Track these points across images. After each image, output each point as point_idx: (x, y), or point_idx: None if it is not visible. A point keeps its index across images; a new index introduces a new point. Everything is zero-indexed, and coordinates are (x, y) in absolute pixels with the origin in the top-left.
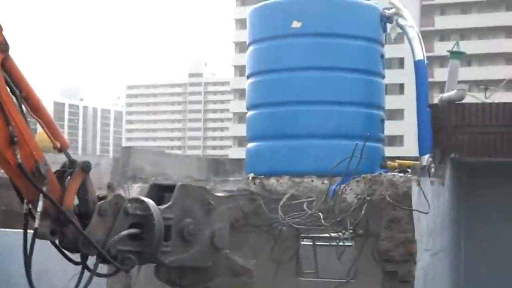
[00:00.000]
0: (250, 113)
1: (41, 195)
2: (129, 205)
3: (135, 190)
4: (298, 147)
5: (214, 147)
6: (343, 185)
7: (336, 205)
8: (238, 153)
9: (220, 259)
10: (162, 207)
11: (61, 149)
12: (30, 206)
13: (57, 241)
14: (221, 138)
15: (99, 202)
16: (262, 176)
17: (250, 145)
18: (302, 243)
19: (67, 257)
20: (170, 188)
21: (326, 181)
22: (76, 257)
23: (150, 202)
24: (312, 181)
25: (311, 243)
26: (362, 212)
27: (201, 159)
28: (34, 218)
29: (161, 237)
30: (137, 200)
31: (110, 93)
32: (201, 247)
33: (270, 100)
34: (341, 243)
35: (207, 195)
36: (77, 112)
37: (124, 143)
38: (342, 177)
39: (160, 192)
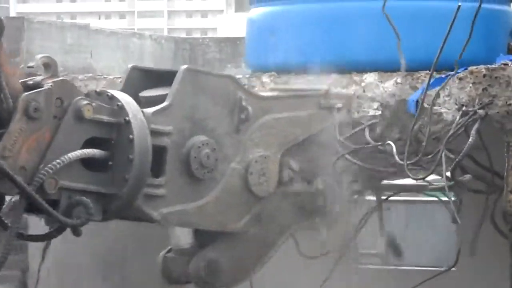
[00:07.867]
0: None
1: None
2: (86, 102)
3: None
4: (334, 15)
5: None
6: (433, 89)
7: (422, 128)
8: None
9: (268, 207)
10: (151, 110)
11: None
12: None
13: None
14: None
15: (26, 94)
16: (273, 73)
17: (253, 12)
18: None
19: None
20: (165, 76)
21: (398, 82)
22: None
23: (126, 99)
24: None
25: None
26: (471, 139)
27: (166, 41)
28: None
29: (146, 167)
30: (101, 95)
31: None
32: (225, 191)
33: None
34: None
35: (238, 90)
36: None
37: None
38: (431, 73)
39: (148, 83)
